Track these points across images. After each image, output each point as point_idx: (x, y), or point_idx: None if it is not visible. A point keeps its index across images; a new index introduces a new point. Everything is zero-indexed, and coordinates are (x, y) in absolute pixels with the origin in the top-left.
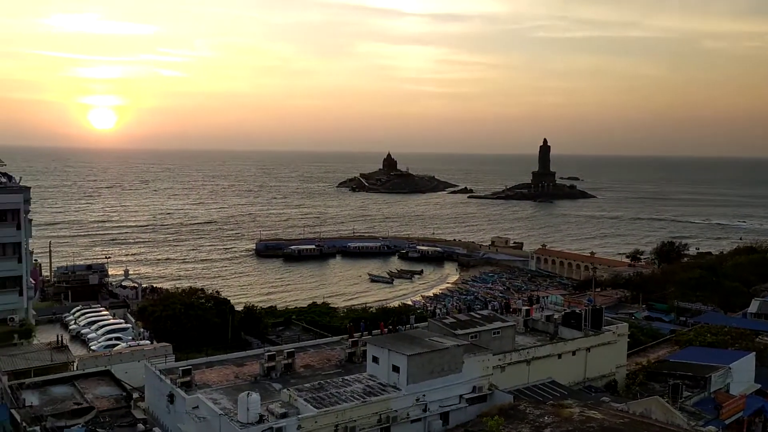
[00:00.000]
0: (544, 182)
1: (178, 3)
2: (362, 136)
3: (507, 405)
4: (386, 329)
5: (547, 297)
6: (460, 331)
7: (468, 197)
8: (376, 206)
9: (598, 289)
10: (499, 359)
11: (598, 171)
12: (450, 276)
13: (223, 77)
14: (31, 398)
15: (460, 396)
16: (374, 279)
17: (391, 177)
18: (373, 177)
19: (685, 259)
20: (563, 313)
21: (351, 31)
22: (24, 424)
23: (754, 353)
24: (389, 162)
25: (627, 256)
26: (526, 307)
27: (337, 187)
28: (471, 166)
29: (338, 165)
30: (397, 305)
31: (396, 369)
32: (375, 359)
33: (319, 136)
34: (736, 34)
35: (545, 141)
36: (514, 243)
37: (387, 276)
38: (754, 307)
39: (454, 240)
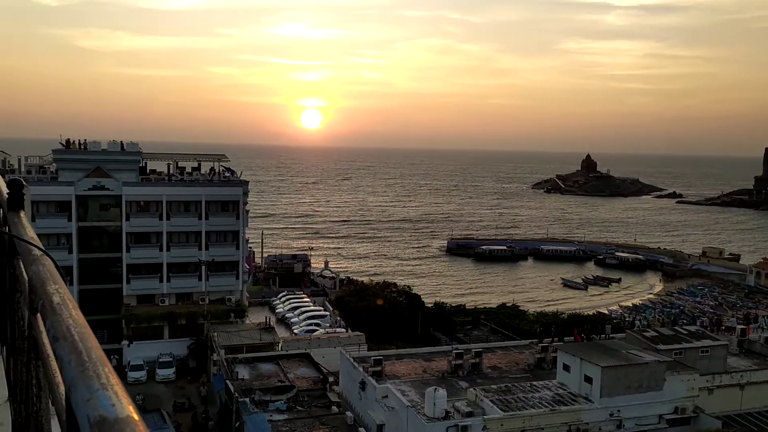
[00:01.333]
0: None
1: (381, 8)
2: (560, 136)
3: (714, 430)
4: (580, 337)
5: None
6: (662, 347)
7: (677, 202)
8: (573, 209)
9: None
10: (707, 380)
11: None
12: (652, 286)
13: (422, 78)
14: (243, 372)
15: (660, 416)
16: (567, 284)
17: (590, 179)
18: (570, 179)
19: None
20: None
21: (554, 28)
22: (236, 394)
23: None
24: (588, 163)
25: None
26: (742, 326)
27: (531, 188)
28: (681, 169)
29: (534, 165)
30: (591, 313)
31: (588, 380)
32: (566, 367)
33: (516, 136)
34: None
35: None
36: (730, 254)
37: (581, 282)
38: None
39: (659, 248)
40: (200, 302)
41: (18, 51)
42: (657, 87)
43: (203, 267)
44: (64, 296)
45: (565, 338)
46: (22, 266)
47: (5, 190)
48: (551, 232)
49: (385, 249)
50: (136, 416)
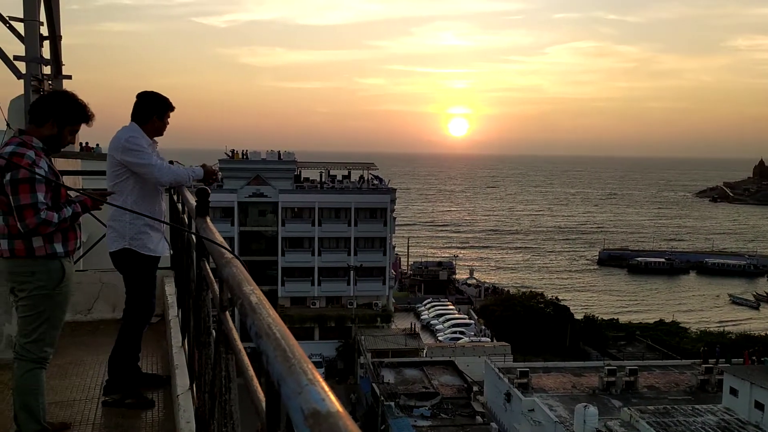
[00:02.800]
0: None
1: (529, 12)
2: (729, 140)
3: None
4: (750, 360)
5: None
6: None
7: None
8: (743, 219)
9: None
10: None
11: None
12: None
13: (573, 82)
14: (388, 376)
15: None
16: (736, 301)
17: (763, 186)
18: (740, 186)
19: None
20: None
21: (720, 24)
22: (382, 397)
23: None
24: (761, 169)
25: None
26: None
27: (695, 195)
28: None
29: (698, 172)
30: (764, 334)
31: (759, 406)
32: (733, 391)
33: (679, 141)
34: None
35: None
36: None
37: (752, 299)
38: None
39: None
40: (348, 306)
41: (190, 70)
42: None
43: (352, 272)
44: (259, 297)
45: (732, 360)
46: (207, 267)
47: (193, 199)
48: (717, 244)
49: (533, 259)
50: (342, 411)
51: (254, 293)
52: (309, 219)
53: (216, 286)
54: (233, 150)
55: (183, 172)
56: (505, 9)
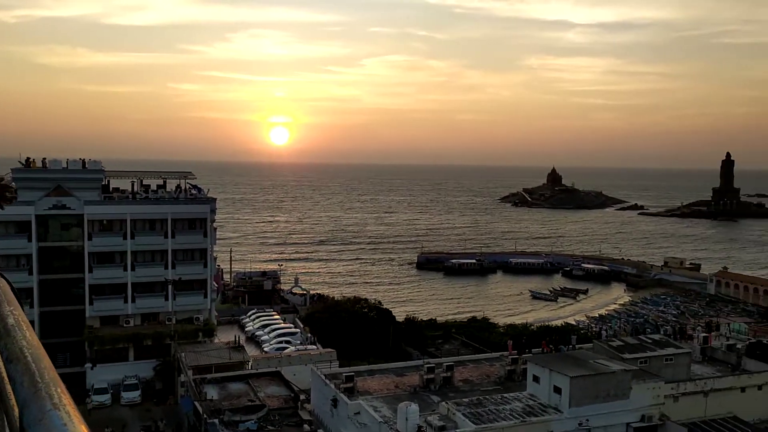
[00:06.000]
0: (727, 199)
1: (347, 25)
2: (527, 151)
3: None
4: (549, 348)
5: (729, 324)
6: (628, 356)
7: (638, 214)
8: (539, 222)
9: None
10: (672, 388)
11: None
12: (617, 296)
13: (391, 94)
14: (212, 392)
15: (627, 424)
16: (536, 296)
17: (556, 192)
18: (537, 192)
19: None
20: (748, 342)
21: (519, 45)
22: (205, 415)
23: None
24: (554, 177)
25: None
26: (704, 334)
27: (499, 201)
28: (642, 182)
29: (501, 180)
30: (559, 324)
31: (558, 390)
32: (536, 378)
33: (485, 151)
34: None
35: (728, 155)
36: (690, 264)
37: (550, 293)
38: None
39: (623, 259)
40: (167, 322)
41: None
42: (619, 103)
43: (170, 286)
44: (18, 318)
45: (533, 350)
46: None
47: None
48: (519, 245)
49: (358, 265)
50: None
51: (13, 314)
52: (120, 232)
53: None
54: (28, 158)
55: None
56: (324, 20)
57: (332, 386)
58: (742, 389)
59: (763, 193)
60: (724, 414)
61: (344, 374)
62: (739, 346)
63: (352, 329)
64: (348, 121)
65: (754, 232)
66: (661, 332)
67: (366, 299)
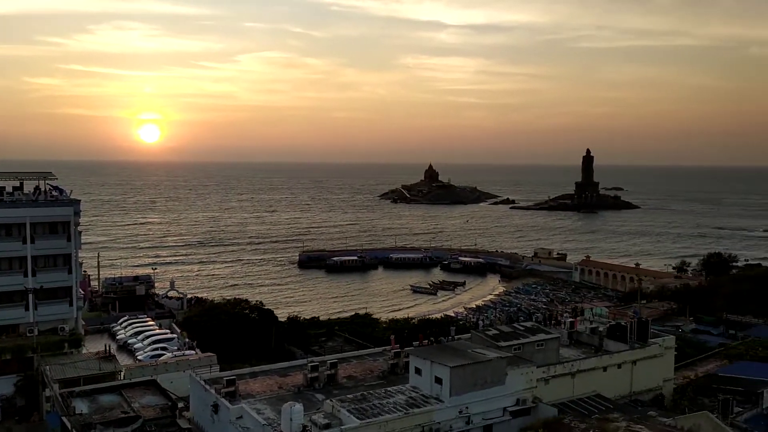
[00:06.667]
0: (588, 193)
1: (220, 19)
2: (405, 148)
3: (551, 419)
4: (426, 341)
5: (592, 309)
6: (503, 343)
7: (510, 208)
8: (418, 217)
9: (644, 301)
10: (543, 372)
11: (644, 181)
12: (493, 287)
13: (267, 91)
14: (81, 406)
15: (504, 408)
16: (416, 290)
17: (433, 188)
18: (415, 188)
19: (734, 270)
20: (608, 325)
21: (394, 44)
22: (74, 430)
23: None
24: (431, 173)
25: (673, 268)
26: (570, 320)
27: (379, 198)
28: (513, 177)
29: (381, 177)
30: (439, 316)
31: (439, 381)
32: (417, 370)
33: (364, 149)
34: None
35: (588, 151)
36: (558, 254)
37: (429, 287)
38: None
39: (497, 251)
40: (28, 334)
41: None
42: (490, 102)
43: (30, 295)
44: None
45: (413, 343)
46: None
47: None
48: (400, 240)
49: (238, 266)
50: None
51: None
52: None
53: None
54: None
55: None
56: (195, 13)
57: (212, 391)
58: (604, 369)
59: (619, 187)
60: (589, 393)
61: (225, 378)
62: (600, 329)
63: (232, 332)
64: (223, 118)
65: (613, 222)
66: (533, 319)
67: (247, 300)
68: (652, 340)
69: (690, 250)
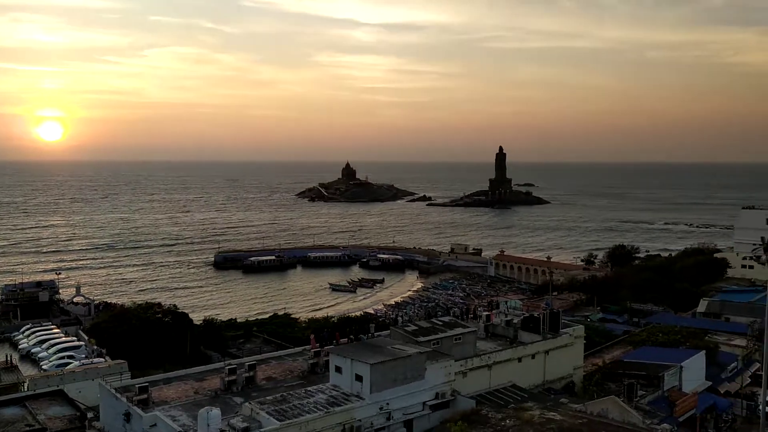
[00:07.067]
0: (501, 189)
1: (126, 12)
2: (322, 146)
3: (470, 410)
4: (343, 339)
5: (507, 302)
6: (422, 339)
7: (427, 205)
8: (336, 215)
9: (555, 293)
10: (461, 365)
11: (554, 177)
12: (411, 283)
13: (178, 88)
14: None
15: (424, 403)
16: (335, 288)
17: (350, 186)
18: (332, 186)
19: (637, 261)
20: (522, 317)
21: (308, 41)
22: None
23: (704, 351)
24: (348, 171)
25: (582, 260)
26: (486, 313)
27: (296, 196)
28: (429, 175)
29: (298, 175)
30: (359, 314)
31: (359, 378)
32: (338, 369)
33: (280, 147)
34: (680, 44)
35: (501, 149)
36: (474, 249)
37: (348, 285)
38: (702, 306)
39: (415, 248)
40: None
41: None
42: (404, 100)
43: None
44: None
45: (332, 341)
46: None
47: None
48: (320, 239)
49: (148, 268)
50: None
51: None
52: None
53: None
54: None
55: None
56: (98, 6)
57: (124, 399)
58: (519, 359)
59: (531, 183)
60: (505, 383)
61: (137, 386)
62: (515, 321)
63: (144, 337)
64: (132, 115)
65: (526, 218)
66: (451, 314)
67: (160, 304)
68: (563, 330)
69: (598, 243)
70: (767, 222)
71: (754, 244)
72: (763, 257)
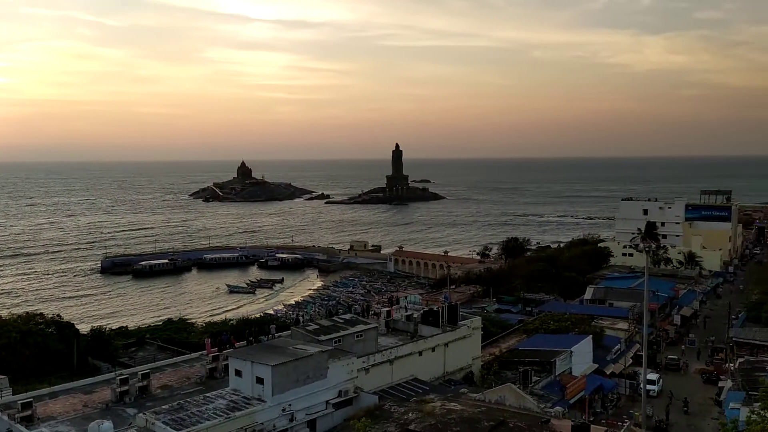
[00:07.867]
0: (398, 185)
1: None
2: (215, 145)
3: (373, 406)
4: (242, 342)
5: (406, 297)
6: (323, 337)
7: (325, 203)
8: (232, 215)
9: (453, 287)
10: (363, 362)
11: (449, 174)
12: (311, 282)
13: (57, 84)
14: None
15: (327, 402)
16: (233, 290)
17: (246, 185)
18: (228, 186)
19: (528, 253)
20: (422, 311)
21: (198, 36)
22: None
23: (591, 336)
24: (244, 170)
25: (477, 254)
26: (387, 309)
27: (189, 197)
28: (327, 172)
29: (191, 175)
30: (258, 315)
31: (260, 381)
32: (238, 372)
33: (171, 146)
34: (564, 45)
35: (397, 146)
36: (373, 246)
37: (246, 286)
38: (589, 293)
39: (314, 246)
40: None
41: None
42: (300, 97)
43: None
44: None
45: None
46: None
47: None
48: (216, 240)
49: (30, 278)
50: None
51: None
52: None
53: None
54: None
55: None
56: None
57: (5, 417)
58: (420, 353)
59: (427, 179)
60: (407, 377)
61: (20, 402)
62: (415, 315)
63: (26, 350)
64: (5, 113)
65: (423, 214)
66: (352, 311)
67: (41, 313)
68: (462, 322)
69: (493, 237)
70: (644, 212)
71: (633, 233)
72: (641, 245)
